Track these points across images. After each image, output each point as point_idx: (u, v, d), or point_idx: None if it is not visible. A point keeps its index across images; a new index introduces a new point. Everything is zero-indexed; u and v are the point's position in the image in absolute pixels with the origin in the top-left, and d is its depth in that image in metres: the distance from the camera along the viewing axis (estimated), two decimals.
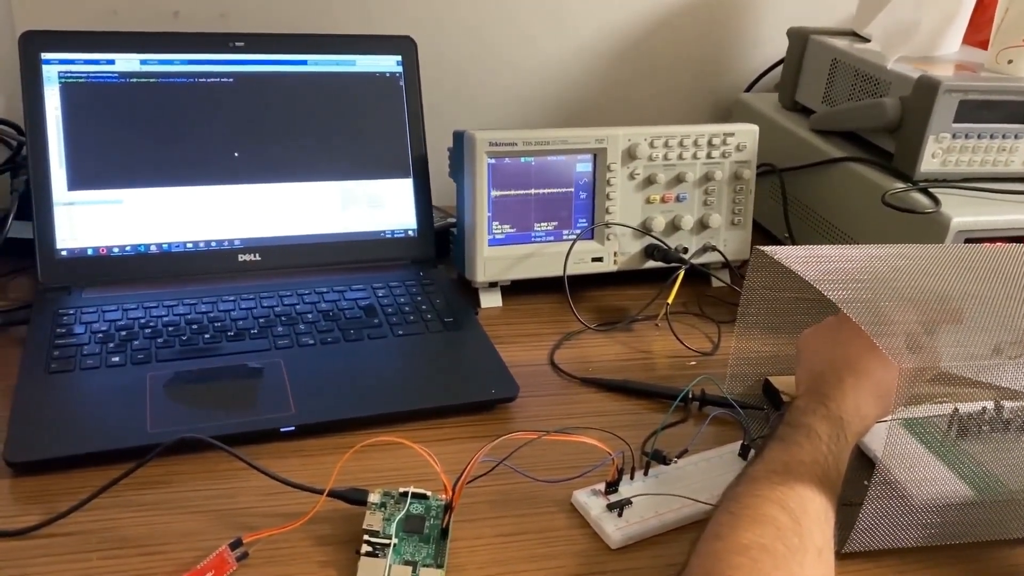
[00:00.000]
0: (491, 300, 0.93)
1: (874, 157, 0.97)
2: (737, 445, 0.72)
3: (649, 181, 0.94)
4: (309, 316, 0.83)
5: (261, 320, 0.82)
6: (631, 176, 0.93)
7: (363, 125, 0.94)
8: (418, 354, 0.80)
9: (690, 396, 0.78)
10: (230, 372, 0.74)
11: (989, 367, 0.64)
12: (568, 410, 0.77)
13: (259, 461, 0.63)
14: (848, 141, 1.02)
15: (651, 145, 0.93)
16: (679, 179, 0.95)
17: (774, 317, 0.82)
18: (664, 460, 0.68)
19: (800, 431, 0.60)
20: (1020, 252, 0.76)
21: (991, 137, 0.91)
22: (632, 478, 0.66)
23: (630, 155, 0.93)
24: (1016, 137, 0.91)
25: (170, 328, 0.79)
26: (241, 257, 0.90)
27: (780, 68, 1.18)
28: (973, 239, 0.86)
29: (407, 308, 0.86)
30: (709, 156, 0.96)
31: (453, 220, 0.97)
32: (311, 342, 0.79)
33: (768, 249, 0.71)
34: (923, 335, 0.63)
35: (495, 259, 0.91)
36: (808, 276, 0.67)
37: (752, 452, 0.70)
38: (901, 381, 0.58)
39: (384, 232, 0.95)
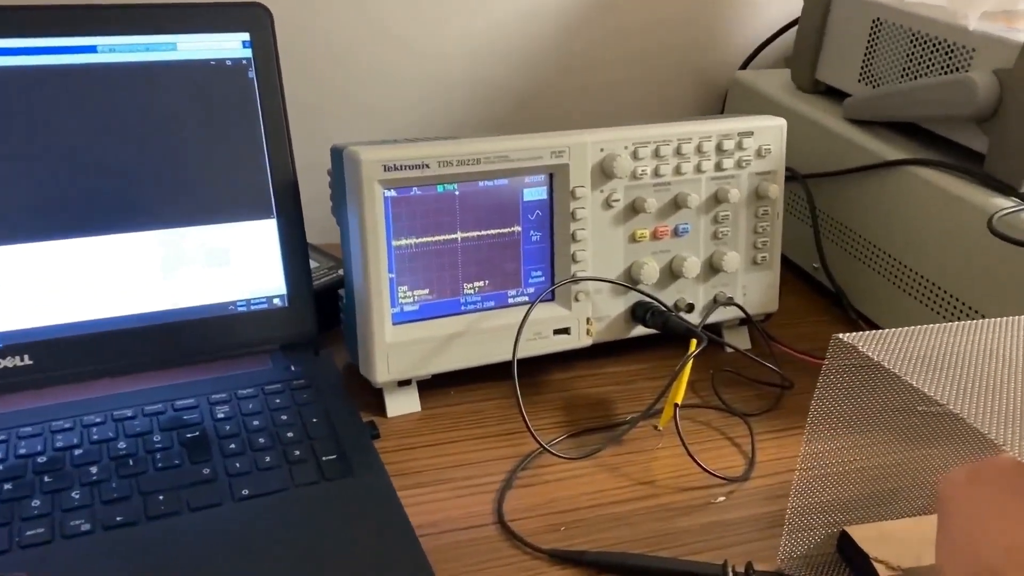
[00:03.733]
0: (402, 405, 0.61)
1: (952, 159, 0.67)
2: None
3: (634, 209, 0.63)
4: (93, 470, 0.50)
5: (9, 485, 0.48)
6: (607, 203, 0.62)
7: (193, 141, 0.61)
8: (271, 541, 0.47)
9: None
10: None
11: None
12: None
13: None
14: (903, 135, 0.72)
15: (635, 156, 0.62)
16: (677, 203, 0.64)
17: (856, 433, 0.51)
18: None
19: None
20: None
21: None
22: None
23: (605, 172, 0.61)
24: None
25: None
26: (1, 363, 0.56)
27: (788, 35, 0.88)
28: None
29: (263, 440, 0.53)
30: (719, 168, 0.65)
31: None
32: (86, 528, 0.46)
33: (855, 338, 0.41)
34: None
35: (404, 345, 0.59)
36: (952, 404, 0.36)
37: None
38: None
39: (234, 304, 0.62)
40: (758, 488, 0.56)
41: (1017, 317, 0.45)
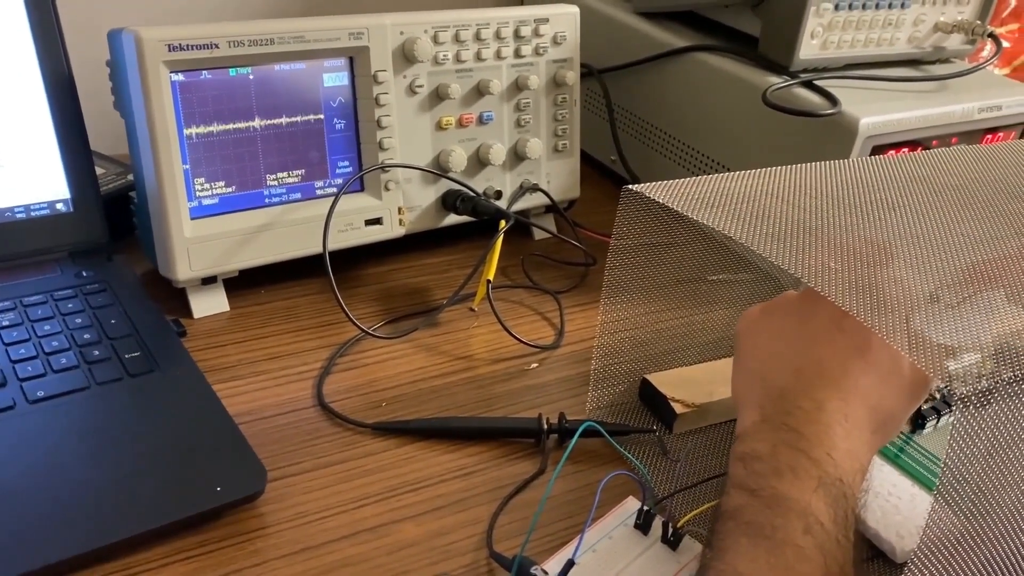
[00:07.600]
0: (209, 305, 0.59)
1: (731, 44, 0.72)
2: (631, 508, 0.45)
3: (438, 96, 0.63)
4: None
5: None
6: (411, 89, 0.62)
7: None
8: (74, 437, 0.44)
9: (544, 428, 0.50)
10: None
11: (927, 320, 0.42)
12: (359, 489, 0.46)
13: None
14: (686, 24, 0.77)
15: (435, 40, 0.61)
16: (480, 90, 0.65)
17: (653, 289, 0.55)
18: (525, 571, 0.40)
19: (791, 518, 0.34)
20: (944, 160, 0.54)
21: (876, 7, 0.68)
22: None
23: (406, 56, 0.61)
24: (903, 6, 0.70)
25: None
26: None
27: None
28: (881, 146, 0.63)
29: (56, 343, 0.50)
30: (518, 54, 0.66)
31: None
32: None
33: (644, 187, 0.44)
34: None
35: (205, 240, 0.56)
36: (740, 236, 0.40)
37: (659, 520, 0.44)
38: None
39: (10, 211, 0.57)
40: (568, 354, 0.59)
41: (785, 166, 0.49)
